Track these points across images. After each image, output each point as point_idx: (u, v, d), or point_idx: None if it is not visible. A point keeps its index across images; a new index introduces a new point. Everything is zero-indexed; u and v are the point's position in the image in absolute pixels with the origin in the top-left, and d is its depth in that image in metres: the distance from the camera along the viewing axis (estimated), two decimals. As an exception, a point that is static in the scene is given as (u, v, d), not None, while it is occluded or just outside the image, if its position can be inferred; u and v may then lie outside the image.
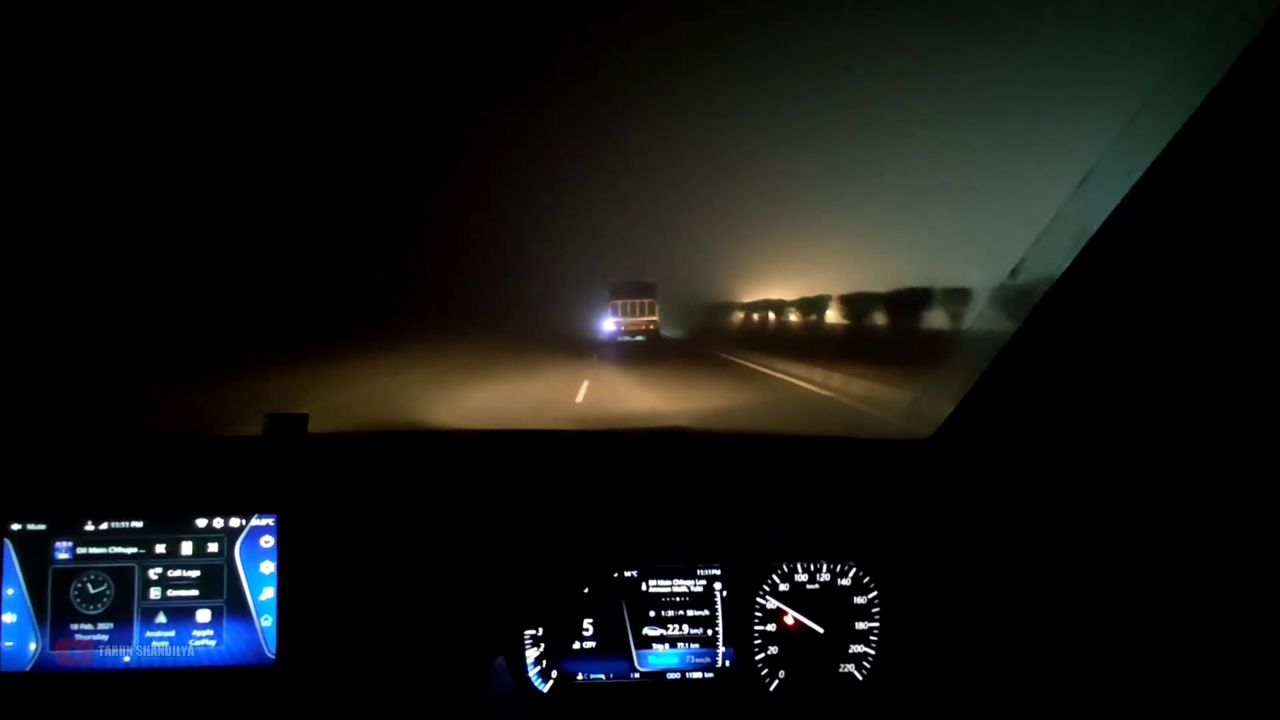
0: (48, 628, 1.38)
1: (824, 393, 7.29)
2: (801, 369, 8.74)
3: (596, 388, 7.65)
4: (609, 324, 14.91)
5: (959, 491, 1.47)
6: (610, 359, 11.90)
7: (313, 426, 1.58)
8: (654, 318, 15.01)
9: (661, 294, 15.05)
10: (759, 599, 1.48)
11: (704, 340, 15.24)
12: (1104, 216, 1.05)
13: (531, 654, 1.45)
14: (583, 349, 13.04)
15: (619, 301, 15.05)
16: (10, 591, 1.38)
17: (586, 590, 1.47)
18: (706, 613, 1.48)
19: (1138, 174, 0.99)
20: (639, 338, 14.66)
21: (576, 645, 1.47)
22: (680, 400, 6.89)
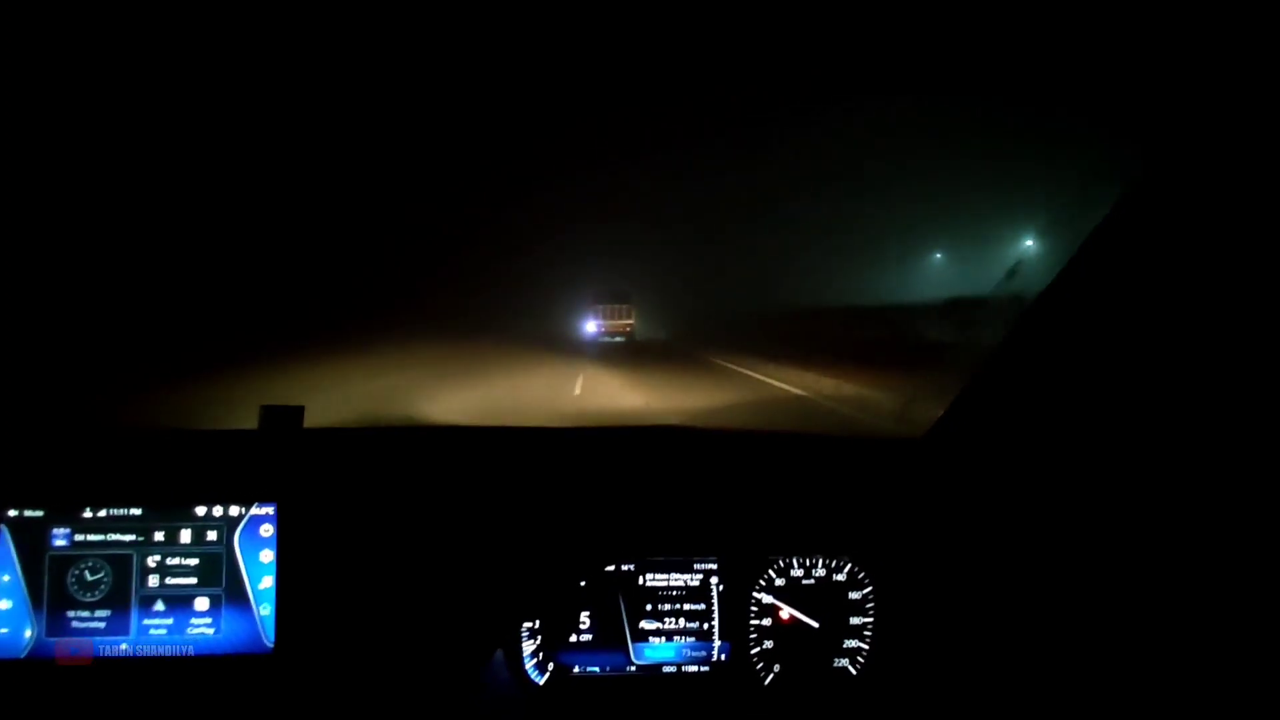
0: (44, 615, 1.37)
1: (813, 397, 7.31)
2: (793, 373, 8.76)
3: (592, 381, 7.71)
4: (591, 326, 16.77)
5: (951, 489, 1.50)
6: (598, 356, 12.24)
7: (308, 422, 1.58)
8: (630, 321, 16.91)
9: (636, 300, 16.96)
10: (755, 593, 1.49)
11: (691, 342, 15.73)
12: (1094, 224, 1.08)
13: (528, 646, 1.46)
14: (573, 348, 13.50)
15: (600, 306, 16.94)
16: (6, 578, 1.37)
17: (584, 584, 1.49)
18: (703, 607, 1.50)
19: (1129, 182, 1.02)
20: (618, 338, 16.43)
21: (573, 638, 1.48)
22: (669, 396, 6.92)
